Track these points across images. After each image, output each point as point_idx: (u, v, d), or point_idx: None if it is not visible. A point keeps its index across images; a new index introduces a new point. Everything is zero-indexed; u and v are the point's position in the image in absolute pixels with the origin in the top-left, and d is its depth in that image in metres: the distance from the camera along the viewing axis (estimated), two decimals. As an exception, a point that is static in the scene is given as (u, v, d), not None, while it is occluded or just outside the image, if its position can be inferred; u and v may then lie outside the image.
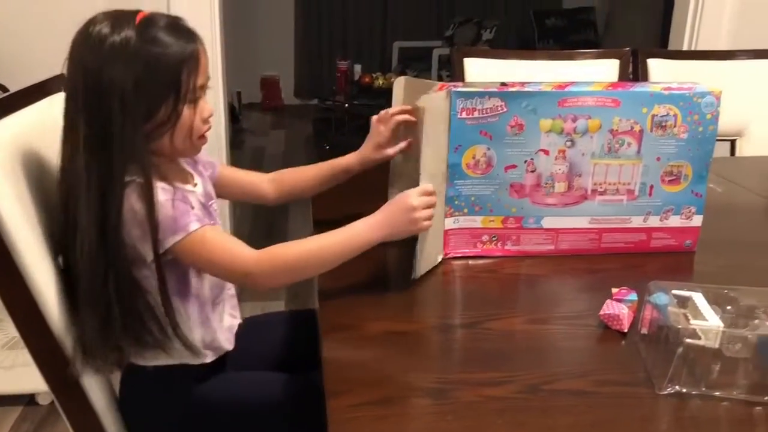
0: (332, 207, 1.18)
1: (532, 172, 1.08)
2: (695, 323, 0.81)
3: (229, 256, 0.98)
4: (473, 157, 1.06)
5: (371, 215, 1.00)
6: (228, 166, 1.28)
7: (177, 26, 0.98)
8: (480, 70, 1.85)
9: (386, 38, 5.74)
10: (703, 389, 0.81)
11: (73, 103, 0.96)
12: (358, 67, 5.26)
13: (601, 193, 1.11)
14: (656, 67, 1.93)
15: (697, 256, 1.16)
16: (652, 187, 1.12)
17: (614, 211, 1.12)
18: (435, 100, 1.02)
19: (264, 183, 1.25)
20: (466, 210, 1.09)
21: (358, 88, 4.89)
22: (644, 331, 0.89)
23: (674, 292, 0.86)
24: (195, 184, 1.10)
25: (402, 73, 5.27)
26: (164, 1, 2.09)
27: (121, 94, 0.93)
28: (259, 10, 5.60)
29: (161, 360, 1.05)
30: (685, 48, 2.44)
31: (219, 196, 1.21)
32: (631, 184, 1.11)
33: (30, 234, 0.96)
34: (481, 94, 1.03)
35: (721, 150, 2.06)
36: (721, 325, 0.80)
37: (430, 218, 1.01)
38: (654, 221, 1.14)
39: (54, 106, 1.15)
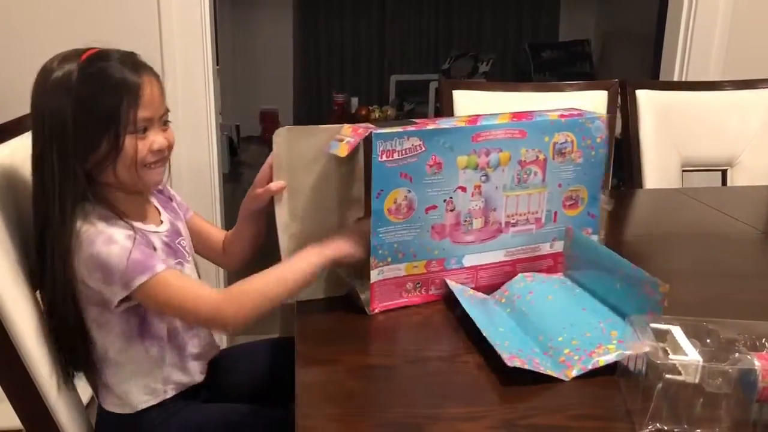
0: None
1: (452, 210, 1.05)
2: (674, 358, 0.79)
3: (193, 297, 0.97)
4: (395, 202, 1.00)
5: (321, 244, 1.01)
6: (198, 217, 1.25)
7: (124, 61, 0.99)
8: (469, 102, 1.86)
9: (383, 71, 5.80)
10: (685, 426, 0.79)
11: (34, 135, 0.99)
12: (355, 100, 5.31)
13: (514, 225, 1.11)
14: (645, 98, 1.94)
15: (680, 287, 1.15)
16: (555, 213, 1.13)
17: (525, 241, 1.12)
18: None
19: (221, 246, 1.23)
20: (389, 259, 1.03)
21: (354, 121, 4.91)
22: (624, 364, 0.87)
23: (652, 325, 0.85)
24: (161, 222, 1.10)
25: (399, 105, 5.31)
26: (156, 40, 2.11)
27: (62, 129, 0.95)
28: (259, 44, 5.67)
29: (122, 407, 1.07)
30: (675, 79, 2.45)
31: None
32: (539, 212, 1.12)
33: (5, 267, 0.95)
34: (399, 135, 0.98)
35: (713, 180, 2.07)
36: (701, 359, 0.79)
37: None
38: (559, 246, 1.14)
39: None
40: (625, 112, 1.95)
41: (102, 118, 0.96)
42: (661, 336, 0.83)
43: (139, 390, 1.07)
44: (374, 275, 1.03)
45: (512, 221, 1.10)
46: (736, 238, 1.45)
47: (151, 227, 1.06)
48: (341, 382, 0.87)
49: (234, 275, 1.15)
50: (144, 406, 1.08)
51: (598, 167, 1.12)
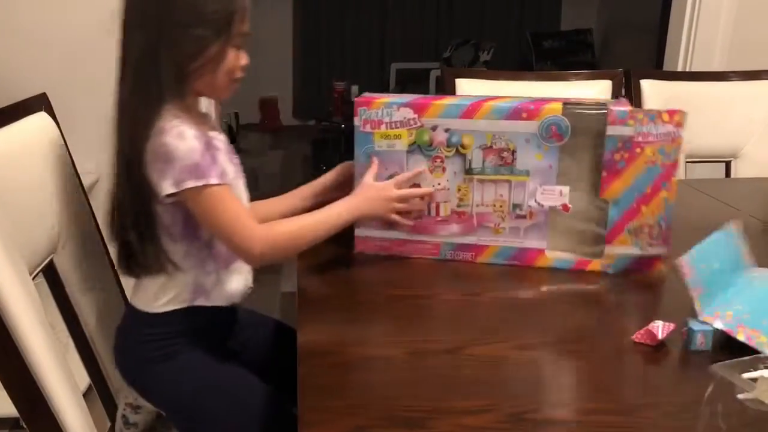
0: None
1: None
2: None
3: (235, 220, 1.01)
4: None
5: (349, 198, 1.12)
6: None
7: None
8: (472, 91, 1.84)
9: (384, 59, 5.77)
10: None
11: (131, 26, 1.01)
12: (355, 88, 5.28)
13: None
14: (649, 88, 1.92)
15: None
16: None
17: None
18: None
19: None
20: None
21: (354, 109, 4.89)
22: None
23: (745, 375, 0.79)
24: (218, 132, 1.13)
25: (400, 93, 5.29)
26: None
27: (183, 28, 0.99)
28: (258, 31, 5.61)
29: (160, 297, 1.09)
30: (679, 69, 2.43)
31: None
32: None
33: (1, 252, 0.94)
34: None
35: (716, 171, 2.05)
36: None
37: (400, 210, 1.14)
38: None
39: (35, 125, 1.14)
40: (629, 102, 1.93)
41: (217, 25, 1.02)
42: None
43: (168, 290, 1.09)
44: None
45: None
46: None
47: (213, 133, 1.09)
48: (344, 375, 0.86)
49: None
50: (169, 308, 1.09)
51: None
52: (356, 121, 1.12)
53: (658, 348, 0.90)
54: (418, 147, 1.12)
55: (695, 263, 0.95)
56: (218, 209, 1.00)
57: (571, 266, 1.14)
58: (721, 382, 0.76)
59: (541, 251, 1.15)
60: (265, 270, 1.15)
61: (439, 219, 1.16)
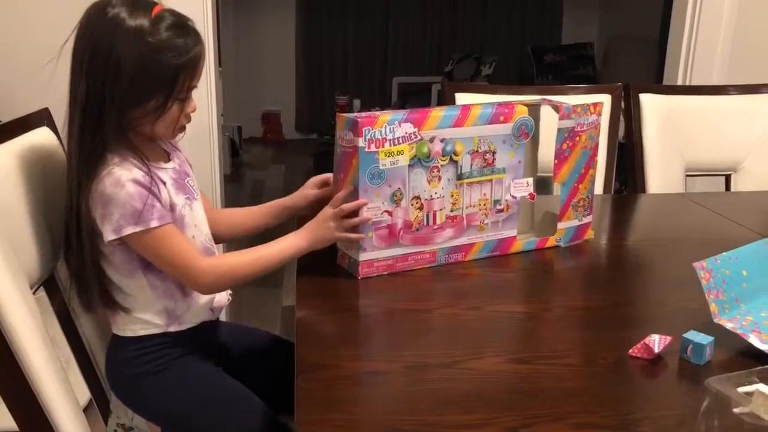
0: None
1: None
2: None
3: (185, 260, 1.04)
4: None
5: (297, 231, 1.13)
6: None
7: (186, 27, 1.03)
8: (472, 105, 1.85)
9: (386, 73, 5.79)
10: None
11: (78, 70, 1.02)
12: (357, 102, 5.30)
13: None
14: (649, 102, 1.93)
15: (684, 293, 1.14)
16: None
17: None
18: None
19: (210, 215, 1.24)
20: None
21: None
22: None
23: (741, 389, 0.77)
24: (168, 160, 1.14)
25: (401, 107, 5.30)
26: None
27: (122, 75, 0.98)
28: (261, 45, 5.66)
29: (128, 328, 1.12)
30: (679, 83, 2.44)
31: None
32: None
33: (3, 268, 0.94)
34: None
35: (717, 185, 2.05)
36: None
37: (346, 228, 1.11)
38: None
39: (38, 140, 1.15)
40: (628, 116, 1.94)
41: (160, 81, 1.01)
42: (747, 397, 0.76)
43: (138, 320, 1.11)
44: None
45: None
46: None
47: (160, 164, 1.10)
48: (341, 389, 0.86)
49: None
50: (146, 333, 1.12)
51: None
52: (360, 142, 1.09)
53: (655, 362, 0.91)
54: (418, 160, 1.13)
55: (717, 268, 0.99)
56: (162, 249, 1.03)
57: (534, 246, 1.29)
58: (717, 396, 0.76)
59: (513, 238, 1.26)
60: (267, 284, 1.17)
61: (435, 227, 1.18)
